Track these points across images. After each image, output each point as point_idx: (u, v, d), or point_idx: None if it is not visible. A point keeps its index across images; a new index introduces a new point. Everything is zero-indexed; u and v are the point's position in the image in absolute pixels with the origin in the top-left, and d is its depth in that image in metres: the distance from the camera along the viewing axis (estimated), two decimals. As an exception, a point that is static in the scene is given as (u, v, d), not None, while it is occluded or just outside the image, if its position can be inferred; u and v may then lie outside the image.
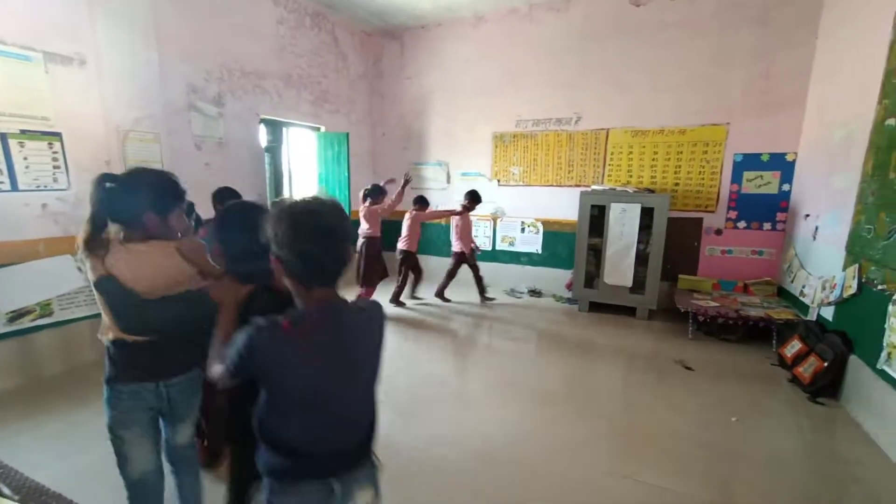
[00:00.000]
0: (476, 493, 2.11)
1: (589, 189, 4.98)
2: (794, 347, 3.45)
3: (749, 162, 4.57)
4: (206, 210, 3.03)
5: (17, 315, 2.96)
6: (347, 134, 5.49)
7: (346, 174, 5.47)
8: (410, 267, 5.07)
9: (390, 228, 5.31)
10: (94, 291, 1.33)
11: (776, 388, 3.21)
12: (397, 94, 6.30)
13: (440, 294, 5.22)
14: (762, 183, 4.55)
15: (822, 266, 3.57)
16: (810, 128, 4.17)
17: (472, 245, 5.20)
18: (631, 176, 5.09)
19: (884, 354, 2.55)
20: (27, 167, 2.96)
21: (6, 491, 1.03)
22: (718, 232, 4.78)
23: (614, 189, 4.80)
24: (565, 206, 5.37)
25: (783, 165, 4.44)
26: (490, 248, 5.96)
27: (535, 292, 5.63)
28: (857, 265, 2.98)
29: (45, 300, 3.08)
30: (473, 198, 5.04)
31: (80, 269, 3.09)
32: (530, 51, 5.35)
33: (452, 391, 3.18)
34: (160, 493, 1.61)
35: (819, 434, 2.69)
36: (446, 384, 3.28)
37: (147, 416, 1.48)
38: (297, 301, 1.03)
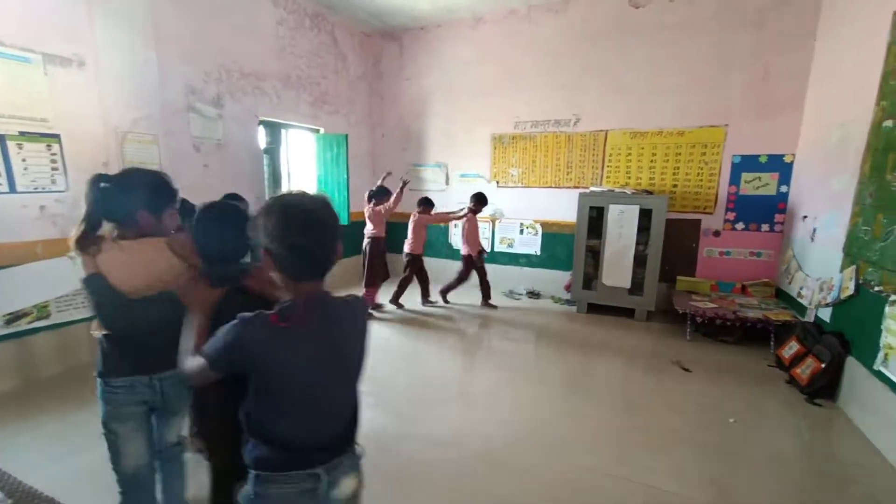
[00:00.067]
0: (475, 493, 2.11)
1: (587, 190, 4.98)
2: (791, 349, 3.45)
3: (747, 163, 4.58)
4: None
5: (14, 317, 2.96)
6: (346, 136, 5.50)
7: (346, 176, 5.48)
8: (416, 271, 5.01)
9: (393, 230, 5.31)
10: (83, 288, 1.37)
11: (774, 389, 3.22)
12: (396, 96, 6.30)
13: (444, 294, 5.18)
14: (760, 184, 4.56)
15: (819, 267, 3.57)
16: (808, 129, 4.17)
17: (480, 248, 5.15)
18: (629, 177, 5.10)
19: (881, 355, 2.56)
20: (25, 169, 2.96)
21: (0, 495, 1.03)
22: (717, 233, 4.79)
23: (613, 190, 4.80)
24: (564, 207, 5.37)
25: (781, 167, 4.45)
26: (489, 250, 5.96)
27: (533, 294, 5.63)
28: (854, 266, 2.99)
29: (43, 302, 3.08)
30: (479, 200, 5.00)
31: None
32: (529, 52, 5.36)
33: (451, 392, 3.18)
34: (152, 488, 1.63)
35: (816, 435, 2.69)
36: (445, 385, 3.28)
37: (140, 409, 1.50)
38: (283, 295, 1.05)
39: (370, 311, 4.75)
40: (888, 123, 2.76)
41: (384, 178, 4.91)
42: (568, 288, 5.19)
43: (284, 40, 4.93)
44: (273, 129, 5.06)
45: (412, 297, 5.16)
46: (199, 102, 4.07)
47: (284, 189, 5.25)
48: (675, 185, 4.90)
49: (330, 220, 1.03)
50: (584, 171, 5.32)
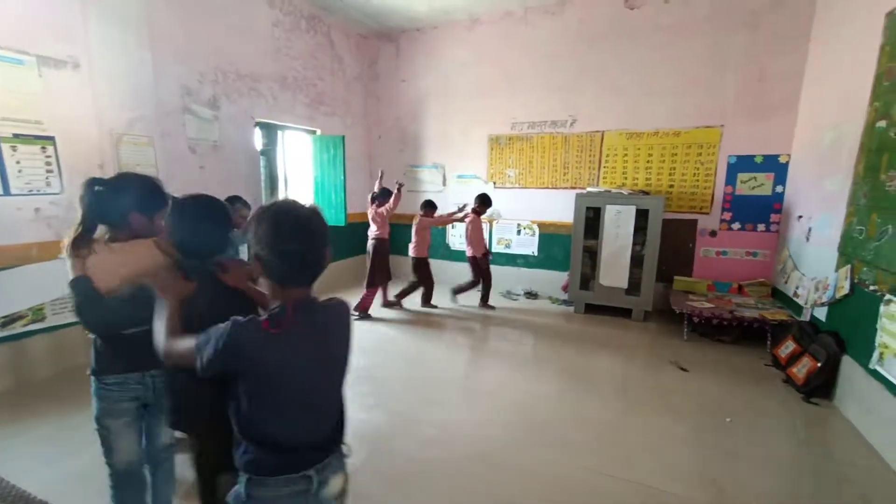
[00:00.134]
0: (475, 494, 2.11)
1: (584, 191, 4.99)
2: (787, 348, 3.46)
3: (743, 164, 4.60)
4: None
5: (8, 320, 2.95)
6: (343, 137, 5.49)
7: (342, 177, 5.47)
8: (421, 275, 4.99)
9: (392, 231, 5.29)
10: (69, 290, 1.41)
11: (770, 388, 3.23)
12: (393, 97, 6.31)
13: (455, 293, 5.15)
14: (756, 184, 4.58)
15: (815, 267, 3.59)
16: (803, 130, 4.20)
17: (485, 249, 5.12)
18: (626, 178, 5.11)
19: (876, 354, 2.57)
20: (20, 171, 2.95)
21: (-7, 498, 1.02)
22: (713, 233, 4.80)
23: (609, 191, 4.82)
24: (561, 208, 5.38)
25: (776, 167, 4.47)
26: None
27: (531, 294, 5.64)
28: (849, 266, 3.00)
29: (38, 305, 3.06)
30: (483, 201, 4.98)
31: None
32: (525, 53, 5.37)
33: (450, 393, 3.17)
34: (144, 484, 1.66)
35: (813, 434, 2.70)
36: (444, 386, 3.28)
37: (133, 406, 1.54)
38: (271, 300, 1.07)
39: (368, 312, 4.76)
40: (881, 124, 2.78)
41: (381, 179, 4.92)
42: (565, 288, 5.20)
43: (280, 41, 4.92)
44: (269, 131, 5.05)
45: (412, 298, 5.15)
46: (195, 104, 4.06)
47: (281, 190, 5.25)
48: (671, 186, 4.92)
49: (319, 227, 1.05)
50: (581, 172, 5.33)
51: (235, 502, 1.07)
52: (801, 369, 3.17)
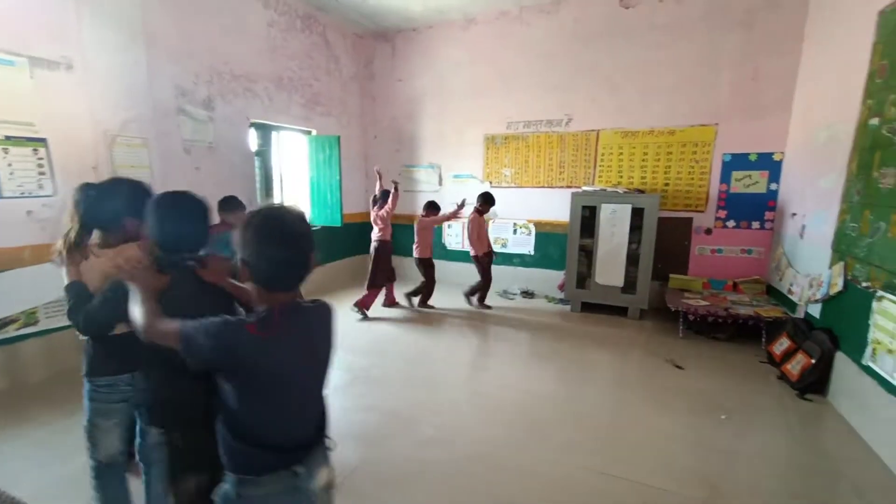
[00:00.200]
0: (472, 494, 2.11)
1: (580, 190, 5.00)
2: (782, 345, 3.49)
3: (737, 162, 4.62)
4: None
5: (1, 324, 2.92)
6: (339, 137, 5.48)
7: (338, 178, 5.46)
8: (425, 274, 4.98)
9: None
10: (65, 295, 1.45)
11: (765, 385, 3.25)
12: (389, 97, 6.30)
13: (481, 300, 5.10)
14: (750, 182, 4.60)
15: (809, 264, 3.61)
16: (797, 128, 4.22)
17: (487, 248, 5.07)
18: (621, 176, 5.13)
19: (869, 350, 2.59)
20: (11, 174, 2.93)
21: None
22: (708, 231, 4.82)
23: (605, 190, 4.83)
24: (557, 207, 5.39)
25: (771, 165, 4.49)
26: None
27: (527, 293, 5.65)
28: (842, 263, 3.02)
29: (31, 309, 3.04)
30: (486, 200, 4.93)
31: None
32: (521, 53, 5.37)
33: (447, 393, 3.18)
34: (123, 475, 1.72)
35: (807, 430, 2.72)
36: (441, 386, 3.28)
37: (122, 406, 1.59)
38: (257, 304, 1.09)
39: (366, 312, 4.77)
40: (874, 122, 2.80)
41: (381, 179, 4.92)
42: (561, 287, 5.21)
43: (276, 41, 4.91)
44: (265, 132, 5.04)
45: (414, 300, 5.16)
46: (190, 105, 4.04)
47: (276, 191, 5.23)
48: (666, 184, 4.93)
49: (305, 232, 1.07)
50: (577, 171, 5.34)
51: (223, 501, 1.08)
52: (795, 366, 3.19)
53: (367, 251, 6.53)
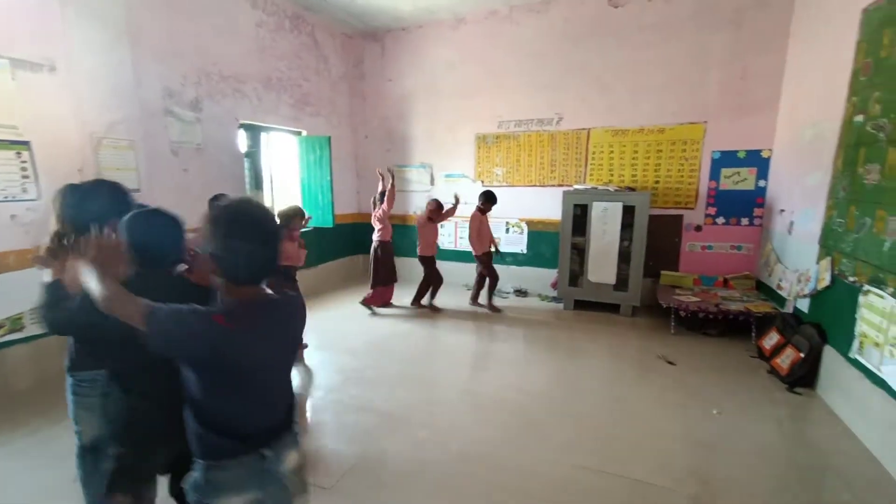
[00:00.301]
0: (468, 494, 2.11)
1: (571, 188, 5.02)
2: (771, 339, 3.53)
3: (726, 159, 4.67)
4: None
5: (-14, 330, 2.87)
6: (329, 137, 5.45)
7: (329, 178, 5.43)
8: (426, 272, 4.96)
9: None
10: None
11: (755, 379, 3.29)
12: (379, 97, 6.27)
13: (490, 303, 5.02)
14: (739, 179, 4.65)
15: (797, 260, 3.66)
16: (784, 126, 4.27)
17: (490, 247, 5.01)
18: (612, 175, 5.16)
19: (856, 344, 2.63)
20: (-6, 177, 2.87)
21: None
22: (698, 228, 4.87)
23: (596, 188, 4.85)
24: (549, 205, 5.41)
25: (759, 162, 4.55)
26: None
27: (520, 292, 5.66)
28: (829, 258, 3.07)
29: (16, 314, 2.98)
30: (488, 199, 4.84)
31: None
32: (511, 52, 5.38)
33: (441, 393, 3.17)
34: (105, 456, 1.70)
35: (797, 423, 2.75)
36: (435, 386, 3.27)
37: (103, 400, 1.58)
38: (224, 297, 1.10)
39: (373, 311, 4.87)
40: (859, 119, 2.84)
41: (384, 180, 4.88)
42: (554, 285, 5.23)
43: (264, 42, 4.86)
44: (254, 133, 4.99)
45: (406, 296, 5.15)
46: (177, 106, 3.98)
47: (266, 192, 5.19)
48: (657, 182, 4.97)
49: (270, 226, 1.09)
50: (568, 170, 5.36)
51: (193, 489, 1.09)
52: (784, 360, 3.23)
53: (359, 252, 6.55)
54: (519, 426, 2.70)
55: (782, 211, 4.09)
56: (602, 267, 4.72)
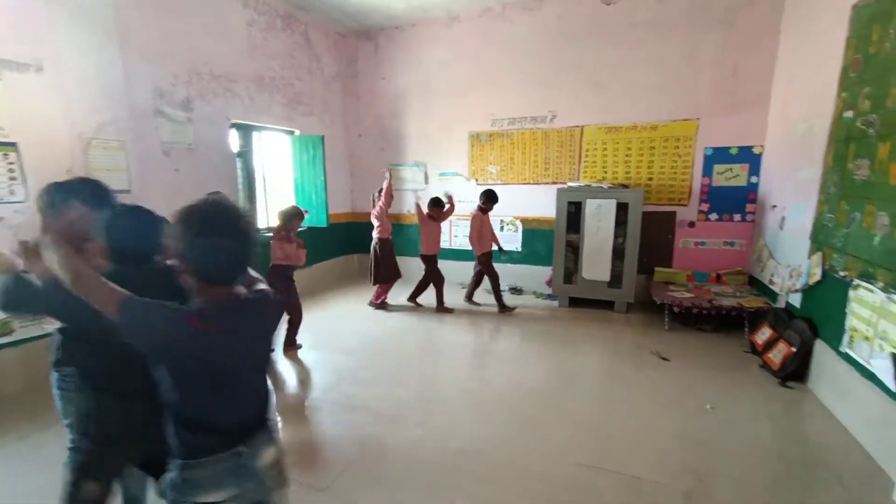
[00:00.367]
0: (465, 492, 2.11)
1: (565, 186, 5.03)
2: (764, 334, 3.56)
3: (719, 155, 4.69)
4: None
5: (-25, 334, 2.83)
6: (322, 137, 5.42)
7: (323, 178, 5.41)
8: (427, 271, 4.92)
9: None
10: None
11: (748, 374, 3.31)
12: (373, 95, 6.25)
13: (501, 304, 4.92)
14: (732, 175, 4.68)
15: (789, 255, 3.69)
16: (775, 122, 4.30)
17: (491, 248, 4.97)
18: (606, 172, 5.17)
19: (846, 338, 2.65)
20: (-19, 179, 2.83)
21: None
22: (691, 224, 4.90)
23: (590, 185, 4.87)
24: (543, 203, 5.42)
25: (751, 158, 4.58)
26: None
27: (515, 290, 5.67)
28: (820, 253, 3.09)
29: (4, 318, 2.95)
30: (489, 198, 4.79)
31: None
32: (504, 50, 5.38)
33: (437, 391, 3.17)
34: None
35: (788, 418, 2.78)
36: (430, 384, 3.28)
37: (77, 395, 1.59)
38: (196, 296, 1.09)
39: (383, 305, 4.93)
40: (849, 114, 2.86)
41: (390, 177, 4.86)
42: (549, 283, 5.24)
43: (256, 41, 4.82)
44: (246, 132, 4.96)
45: (403, 294, 5.15)
46: (168, 107, 3.95)
47: (259, 192, 5.16)
48: (650, 179, 4.99)
49: (242, 226, 1.07)
50: (562, 167, 5.37)
51: (170, 488, 1.09)
52: (776, 354, 3.26)
53: (354, 251, 6.54)
54: (515, 423, 2.70)
55: (774, 207, 4.12)
56: (596, 264, 4.74)
